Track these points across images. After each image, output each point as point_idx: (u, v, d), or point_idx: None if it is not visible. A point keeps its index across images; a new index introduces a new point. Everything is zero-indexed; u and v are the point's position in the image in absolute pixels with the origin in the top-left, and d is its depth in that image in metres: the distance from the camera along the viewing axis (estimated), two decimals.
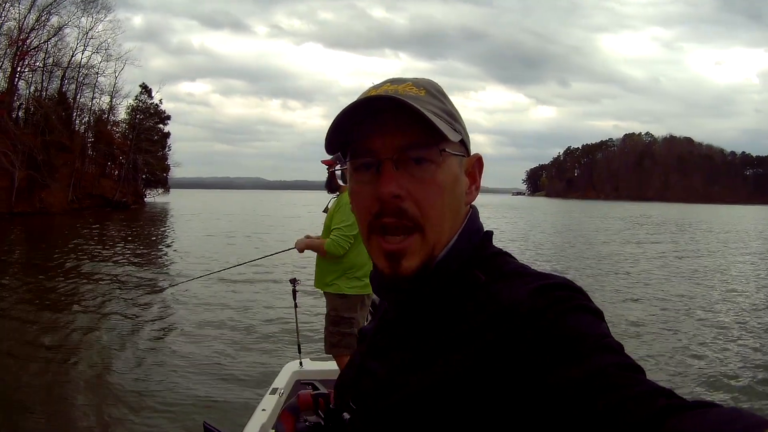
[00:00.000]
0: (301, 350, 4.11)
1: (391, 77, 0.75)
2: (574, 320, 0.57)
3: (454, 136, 0.70)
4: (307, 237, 3.87)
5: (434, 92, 0.73)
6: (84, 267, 13.51)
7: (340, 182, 3.75)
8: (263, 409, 3.14)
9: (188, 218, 36.57)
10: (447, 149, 0.69)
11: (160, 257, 16.71)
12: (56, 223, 30.36)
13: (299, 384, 3.55)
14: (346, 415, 0.76)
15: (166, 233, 26.32)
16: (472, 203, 0.78)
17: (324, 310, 3.80)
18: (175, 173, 66.30)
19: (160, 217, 39.94)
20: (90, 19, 44.50)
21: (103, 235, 23.86)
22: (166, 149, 59.60)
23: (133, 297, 9.55)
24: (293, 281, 4.13)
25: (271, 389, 3.44)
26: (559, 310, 0.58)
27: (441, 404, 0.61)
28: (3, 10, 34.42)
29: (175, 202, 63.26)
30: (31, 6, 37.07)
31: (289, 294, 4.19)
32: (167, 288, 6.18)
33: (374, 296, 3.17)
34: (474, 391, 0.58)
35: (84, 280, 11.54)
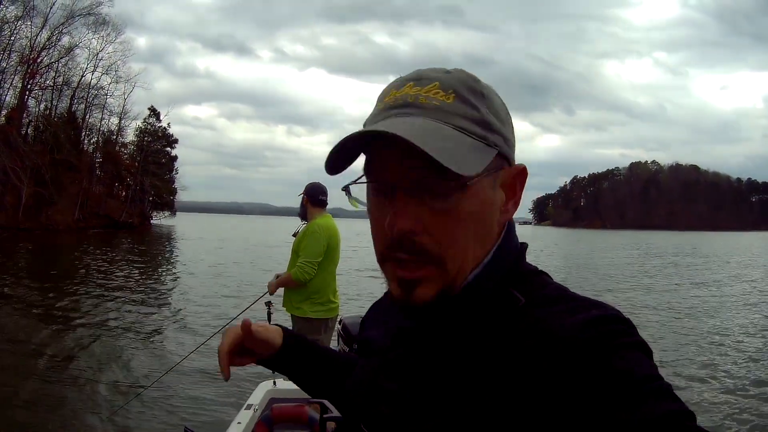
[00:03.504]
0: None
1: (418, 71, 0.66)
2: (630, 358, 0.54)
3: (481, 162, 0.61)
4: (277, 276, 4.17)
5: (466, 95, 0.63)
6: (82, 284, 13.51)
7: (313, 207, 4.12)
8: (239, 423, 3.26)
9: (189, 242, 36.56)
10: (471, 181, 0.60)
11: (154, 282, 16.30)
12: (61, 241, 30.16)
13: (273, 401, 3.71)
14: None
15: (167, 256, 26.46)
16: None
17: None
18: (183, 197, 66.30)
19: (164, 239, 39.78)
20: (100, 40, 45.07)
21: (106, 254, 23.62)
22: (174, 172, 59.72)
23: (122, 320, 9.61)
24: (268, 304, 4.18)
25: (246, 405, 3.57)
26: (615, 346, 0.54)
27: None
28: (15, 28, 34.69)
29: (180, 225, 63.02)
30: (44, 25, 37.50)
31: (264, 317, 4.31)
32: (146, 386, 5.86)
33: (343, 321, 3.30)
34: (522, 423, 0.55)
35: (77, 297, 11.64)
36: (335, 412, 0.61)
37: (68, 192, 40.73)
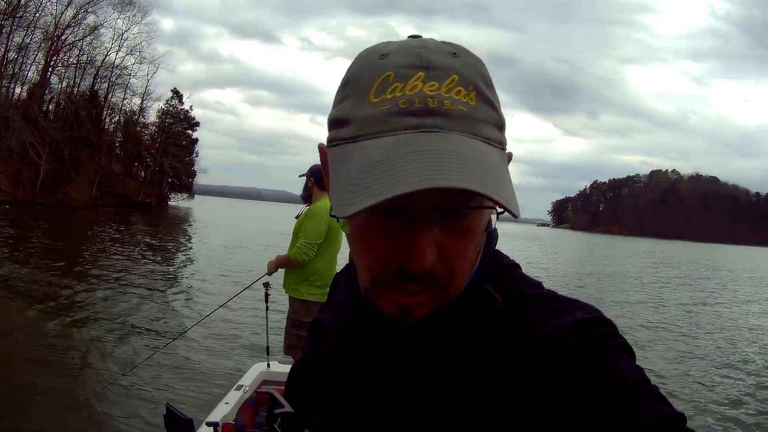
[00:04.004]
0: (270, 352, 4.21)
1: (418, 51, 0.54)
2: (618, 362, 0.53)
3: (509, 178, 0.54)
4: (277, 256, 4.10)
5: (485, 91, 0.54)
6: (91, 261, 13.45)
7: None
8: (226, 403, 3.25)
9: (205, 224, 36.79)
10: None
11: (166, 259, 16.55)
12: (75, 218, 30.54)
13: (265, 383, 3.77)
14: None
15: (180, 237, 26.67)
16: None
17: None
18: (202, 180, 66.84)
19: (179, 221, 40.10)
20: (126, 20, 45.31)
21: (118, 233, 23.85)
22: (194, 155, 60.07)
23: (129, 300, 9.43)
24: (266, 285, 4.27)
25: (236, 386, 3.55)
26: (602, 350, 0.53)
27: None
28: (40, 4, 34.93)
29: (198, 208, 63.52)
30: (69, 3, 37.73)
31: (262, 299, 4.36)
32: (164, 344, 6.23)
33: None
34: (503, 428, 0.53)
35: (84, 278, 11.39)
36: (286, 405, 0.60)
37: (87, 169, 41.15)
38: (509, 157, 0.58)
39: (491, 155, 0.52)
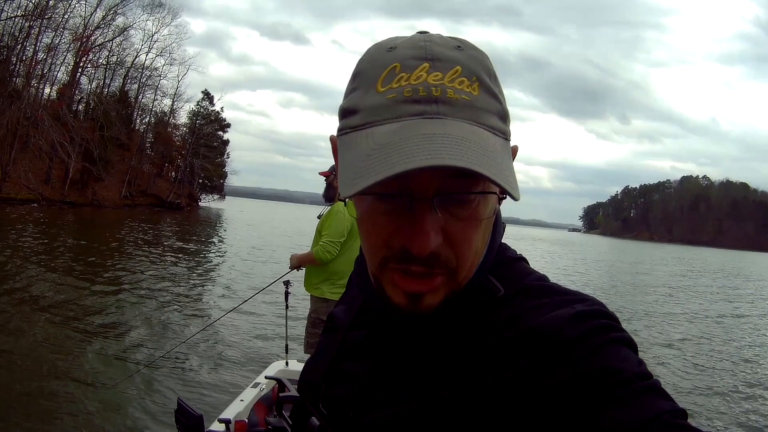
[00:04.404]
0: (289, 351, 4.18)
1: (423, 45, 0.56)
2: (619, 355, 0.53)
3: (512, 167, 0.56)
4: (300, 254, 4.15)
5: (488, 82, 0.56)
6: (119, 257, 13.71)
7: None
8: (241, 400, 3.27)
9: (233, 224, 37.37)
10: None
11: (191, 257, 16.56)
12: (104, 216, 30.88)
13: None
14: (315, 421, 0.69)
15: (209, 236, 26.88)
16: None
17: None
18: (234, 181, 67.29)
19: (209, 221, 40.42)
20: (155, 22, 45.74)
21: (150, 231, 24.01)
22: (225, 156, 60.38)
23: (153, 294, 9.49)
24: (287, 284, 4.27)
25: (253, 384, 3.58)
26: (603, 342, 0.53)
27: (457, 424, 0.55)
28: (69, 6, 35.35)
29: (229, 209, 64.00)
30: (98, 4, 38.15)
31: (282, 296, 4.38)
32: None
33: None
34: (497, 418, 0.53)
35: (114, 267, 11.86)
36: (293, 391, 0.67)
37: (117, 169, 41.58)
38: (514, 150, 0.59)
39: (493, 142, 0.53)
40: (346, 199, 0.53)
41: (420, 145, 0.48)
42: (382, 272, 0.58)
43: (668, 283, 22.05)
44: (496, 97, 0.56)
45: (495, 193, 0.54)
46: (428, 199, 0.52)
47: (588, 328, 0.53)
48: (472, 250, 0.56)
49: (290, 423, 0.67)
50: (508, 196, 0.52)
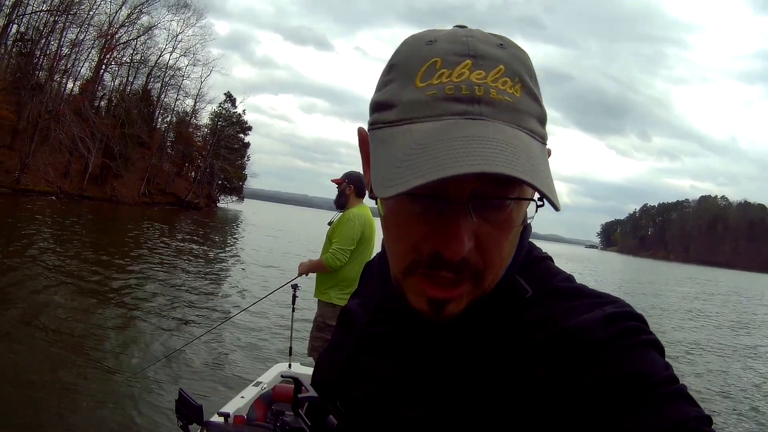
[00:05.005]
0: (292, 353, 4.20)
1: (465, 39, 0.53)
2: (649, 358, 0.52)
3: (550, 175, 0.52)
4: (310, 260, 4.24)
5: (530, 83, 0.54)
6: (133, 253, 13.69)
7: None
8: (242, 397, 3.34)
9: (249, 226, 37.79)
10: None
11: (204, 257, 16.51)
12: (122, 212, 31.04)
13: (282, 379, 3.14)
14: (333, 420, 0.68)
15: (225, 236, 27.10)
16: None
17: None
18: (253, 184, 67.58)
19: (226, 223, 40.66)
20: (180, 23, 46.11)
21: (167, 229, 24.09)
22: (245, 159, 60.61)
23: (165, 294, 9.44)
24: (294, 287, 4.26)
25: (254, 382, 3.63)
26: (633, 345, 0.52)
27: (483, 428, 0.54)
28: (94, 3, 35.76)
29: (246, 210, 64.33)
30: (123, 2, 38.55)
31: (289, 299, 4.39)
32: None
33: None
34: (528, 419, 0.52)
35: (127, 265, 11.74)
36: (311, 390, 0.70)
37: (136, 166, 41.82)
38: (549, 152, 0.57)
39: (534, 147, 0.51)
40: (377, 198, 0.51)
41: (466, 148, 0.46)
42: (407, 277, 0.55)
43: (684, 307, 21.20)
44: (537, 100, 0.54)
45: (532, 199, 0.52)
46: (464, 203, 0.50)
47: (619, 330, 0.53)
48: (501, 256, 0.55)
49: (309, 423, 0.67)
50: (548, 204, 0.49)
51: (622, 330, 0.53)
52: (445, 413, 0.55)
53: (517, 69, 0.52)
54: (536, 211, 0.53)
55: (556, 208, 0.48)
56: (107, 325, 6.82)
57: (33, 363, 5.11)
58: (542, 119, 0.54)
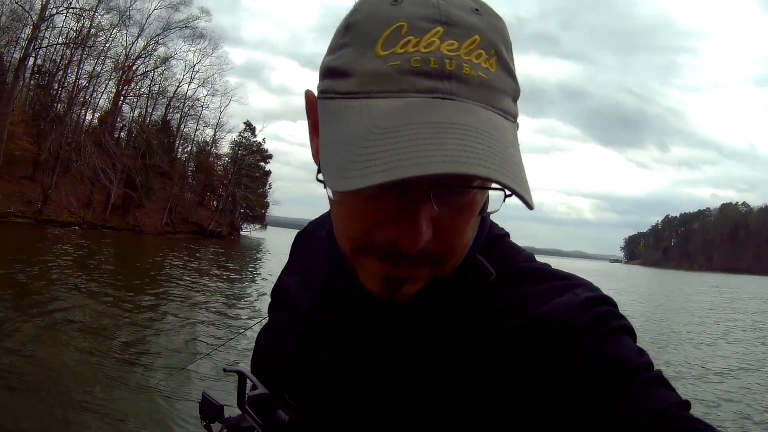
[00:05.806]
0: None
1: (440, 3, 0.46)
2: (623, 344, 0.50)
3: (523, 166, 0.46)
4: None
5: (505, 56, 0.48)
6: (158, 279, 14.03)
7: None
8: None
9: (272, 254, 37.51)
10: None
11: (228, 281, 16.87)
12: (144, 242, 31.05)
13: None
14: (282, 415, 0.64)
15: (248, 263, 27.28)
16: None
17: None
18: (276, 211, 67.28)
19: (250, 249, 40.85)
20: (197, 53, 46.50)
21: (189, 257, 24.50)
22: (266, 187, 60.50)
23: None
24: None
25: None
26: (607, 330, 0.50)
27: (454, 419, 0.50)
28: (110, 35, 36.18)
29: (270, 238, 63.89)
30: (139, 34, 39.00)
31: None
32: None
33: None
34: (502, 411, 0.50)
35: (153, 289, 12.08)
36: (259, 387, 0.66)
37: (158, 196, 41.73)
38: (516, 126, 0.51)
39: (508, 133, 0.46)
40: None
41: (435, 138, 0.40)
42: (358, 257, 0.51)
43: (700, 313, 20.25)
44: (512, 75, 0.48)
45: (497, 188, 0.45)
46: (425, 190, 0.45)
47: (594, 315, 0.51)
48: (463, 242, 0.51)
49: (260, 423, 0.63)
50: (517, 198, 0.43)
51: (597, 315, 0.51)
52: (413, 406, 0.51)
53: (494, 40, 0.46)
54: (504, 201, 0.47)
55: (530, 207, 0.42)
56: (134, 339, 7.23)
57: (62, 370, 5.40)
58: (516, 96, 0.49)
